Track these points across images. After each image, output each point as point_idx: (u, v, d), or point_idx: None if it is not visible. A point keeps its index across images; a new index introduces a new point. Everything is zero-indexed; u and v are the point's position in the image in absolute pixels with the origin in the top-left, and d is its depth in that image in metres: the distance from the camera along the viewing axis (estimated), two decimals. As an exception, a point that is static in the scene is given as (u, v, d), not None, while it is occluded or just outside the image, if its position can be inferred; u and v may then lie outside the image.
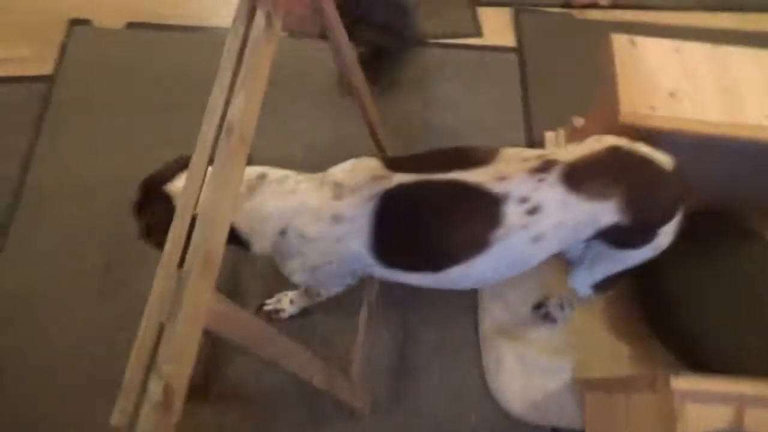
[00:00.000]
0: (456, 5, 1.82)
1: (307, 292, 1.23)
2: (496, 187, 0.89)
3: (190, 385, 0.58)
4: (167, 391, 0.56)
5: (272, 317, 1.33)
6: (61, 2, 1.72)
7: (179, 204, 0.64)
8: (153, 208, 0.91)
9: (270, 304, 1.34)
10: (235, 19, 0.75)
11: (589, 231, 0.92)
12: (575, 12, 1.84)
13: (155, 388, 0.55)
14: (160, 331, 0.57)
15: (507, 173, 0.90)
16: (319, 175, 0.96)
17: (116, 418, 0.54)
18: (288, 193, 0.92)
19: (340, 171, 0.95)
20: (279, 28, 0.77)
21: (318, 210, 0.91)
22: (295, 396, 1.27)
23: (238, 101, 0.68)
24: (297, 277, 1.00)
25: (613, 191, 0.89)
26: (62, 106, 1.57)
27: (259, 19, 0.74)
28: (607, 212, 0.90)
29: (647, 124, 1.11)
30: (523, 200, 0.88)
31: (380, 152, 1.33)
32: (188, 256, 0.60)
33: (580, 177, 0.90)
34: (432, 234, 0.91)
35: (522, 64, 1.72)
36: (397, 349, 1.34)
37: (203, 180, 0.65)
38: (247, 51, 0.72)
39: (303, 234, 0.92)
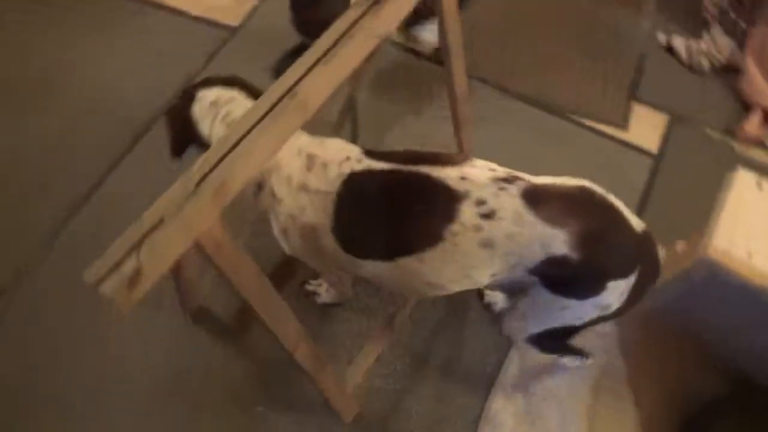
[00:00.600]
0: (614, 90, 1.79)
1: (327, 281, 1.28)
2: (458, 185, 0.92)
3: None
4: (138, 271, 0.64)
5: (309, 296, 1.40)
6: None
7: (223, 133, 0.72)
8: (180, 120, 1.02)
9: (312, 285, 1.42)
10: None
11: (537, 257, 0.91)
12: (737, 144, 1.73)
13: (129, 265, 0.63)
14: (158, 223, 0.66)
15: (471, 175, 0.93)
16: (302, 141, 0.99)
17: (89, 273, 0.63)
18: (283, 174, 0.98)
19: (319, 144, 0.99)
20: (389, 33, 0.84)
21: (289, 175, 0.97)
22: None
23: (314, 73, 0.76)
24: (279, 240, 1.04)
25: (569, 221, 0.90)
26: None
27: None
28: (558, 240, 0.90)
29: (733, 268, 1.03)
30: (480, 202, 0.91)
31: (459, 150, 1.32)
32: (208, 178, 0.69)
33: (541, 198, 0.92)
34: (389, 220, 0.94)
35: (654, 173, 1.65)
36: (404, 378, 1.34)
37: (252, 126, 0.73)
38: (347, 35, 0.80)
39: (273, 192, 0.98)
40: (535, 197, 0.91)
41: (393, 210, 0.94)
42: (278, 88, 0.75)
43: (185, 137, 1.04)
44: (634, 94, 1.79)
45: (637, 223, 0.94)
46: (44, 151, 1.61)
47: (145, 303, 1.03)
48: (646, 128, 1.73)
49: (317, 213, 0.96)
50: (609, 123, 1.74)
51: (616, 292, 0.93)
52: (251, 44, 1.79)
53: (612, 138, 1.71)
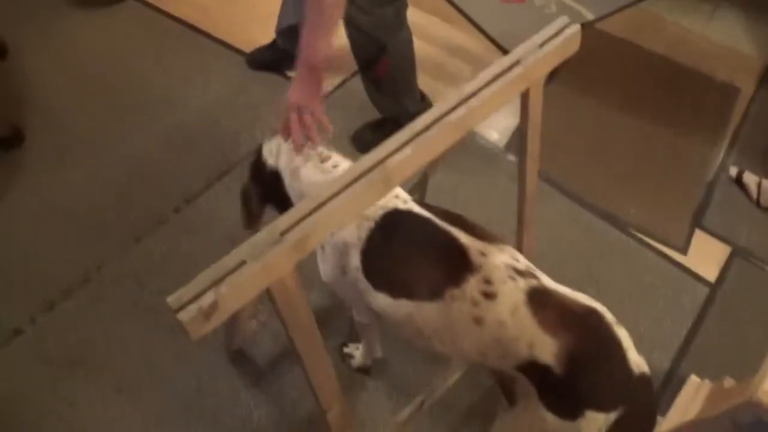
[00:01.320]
0: (679, 214, 1.80)
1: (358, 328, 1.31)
2: (475, 257, 0.96)
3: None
4: (214, 305, 0.69)
5: (344, 359, 1.43)
6: None
7: (313, 191, 0.78)
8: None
9: (349, 348, 1.44)
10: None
11: (522, 356, 0.92)
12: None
13: (208, 298, 0.69)
14: (240, 264, 0.71)
15: (491, 254, 0.97)
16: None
17: (171, 299, 0.68)
18: (323, 172, 1.07)
19: None
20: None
21: None
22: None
23: (403, 152, 0.82)
24: (318, 257, 1.10)
25: (564, 334, 0.90)
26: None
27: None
28: (546, 348, 0.90)
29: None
30: (487, 281, 0.94)
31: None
32: (293, 230, 0.74)
33: (546, 302, 0.93)
34: (406, 261, 0.99)
35: (708, 302, 1.62)
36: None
37: (340, 190, 0.79)
38: (437, 123, 0.87)
39: None
40: (540, 299, 0.93)
41: (413, 253, 1.00)
42: (369, 159, 0.81)
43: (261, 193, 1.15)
44: (698, 222, 1.79)
45: (636, 363, 0.92)
46: (138, 165, 1.76)
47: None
48: (706, 256, 1.72)
49: (353, 233, 1.02)
50: (669, 245, 1.74)
51: (593, 425, 0.89)
52: (335, 109, 1.92)
53: (671, 260, 1.71)
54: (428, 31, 2.21)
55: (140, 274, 1.56)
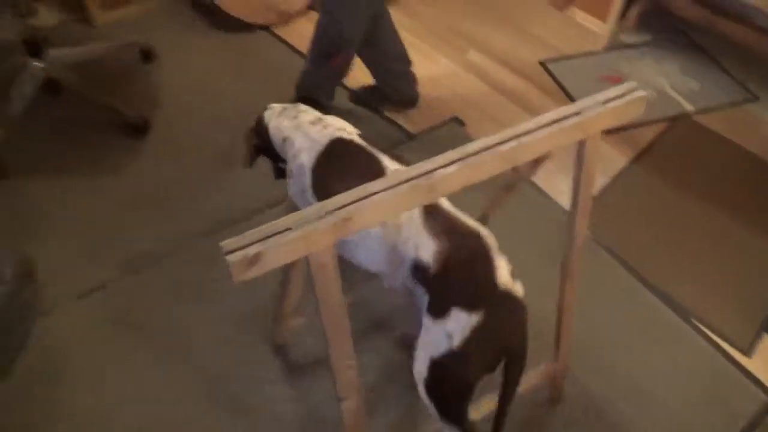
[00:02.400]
0: (748, 315, 1.73)
1: None
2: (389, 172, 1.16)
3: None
4: (256, 257, 0.80)
5: None
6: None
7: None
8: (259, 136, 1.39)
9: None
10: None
11: (410, 255, 1.09)
12: None
13: (253, 249, 0.80)
14: (286, 229, 0.82)
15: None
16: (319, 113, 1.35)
17: (225, 243, 0.80)
18: (291, 119, 1.33)
19: (330, 117, 1.33)
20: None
21: (306, 131, 1.29)
22: None
23: (452, 167, 0.92)
24: (288, 182, 1.33)
25: (443, 240, 1.08)
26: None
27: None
28: (427, 248, 1.08)
29: None
30: None
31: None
32: (337, 212, 0.85)
33: (436, 215, 1.11)
34: (340, 178, 1.18)
35: (765, 412, 1.53)
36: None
37: (387, 188, 0.89)
38: (488, 150, 0.95)
39: (291, 141, 1.30)
40: (433, 212, 1.11)
41: (345, 171, 1.20)
42: (419, 168, 0.91)
43: (257, 145, 1.39)
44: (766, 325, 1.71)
45: (505, 282, 1.06)
46: (232, 167, 1.95)
47: (244, 323, 1.24)
48: (769, 363, 1.63)
49: (308, 157, 1.25)
50: (732, 344, 1.66)
51: (457, 323, 1.03)
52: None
53: (730, 358, 1.63)
54: (524, 97, 2.32)
55: (208, 262, 1.72)
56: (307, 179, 1.25)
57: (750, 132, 2.25)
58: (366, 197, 0.87)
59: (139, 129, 2.01)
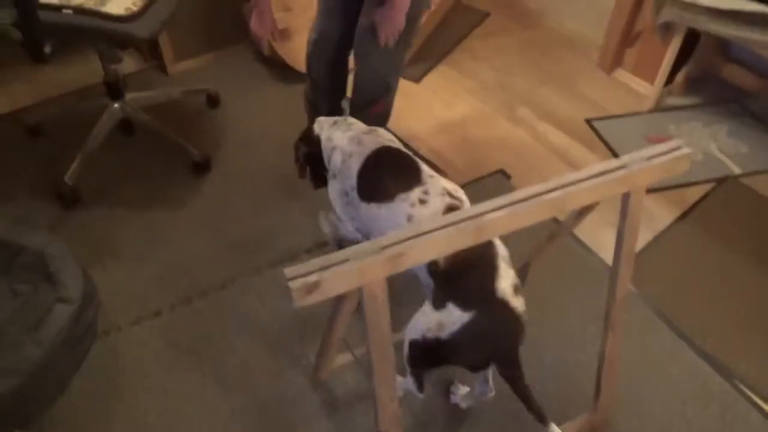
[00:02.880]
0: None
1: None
2: (425, 177, 1.36)
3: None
4: (316, 284, 0.87)
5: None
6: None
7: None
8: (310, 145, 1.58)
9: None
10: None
11: None
12: None
13: (313, 277, 0.87)
14: (344, 260, 0.89)
15: (437, 177, 1.37)
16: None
17: (288, 270, 0.87)
18: (344, 131, 1.52)
19: (384, 132, 1.55)
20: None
21: (351, 135, 1.50)
22: None
23: (500, 212, 0.97)
24: (329, 180, 1.55)
25: None
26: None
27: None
28: None
29: None
30: (426, 193, 1.32)
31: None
32: (391, 248, 0.91)
33: None
34: (381, 178, 1.39)
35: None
36: None
37: (437, 228, 0.95)
38: (535, 198, 1.01)
39: (339, 147, 1.50)
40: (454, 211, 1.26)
41: (387, 173, 1.39)
42: (469, 211, 0.97)
43: (307, 153, 1.57)
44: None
45: (504, 291, 1.17)
46: (290, 208, 2.06)
47: (291, 356, 1.31)
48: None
49: (358, 159, 1.44)
50: (779, 408, 1.62)
51: (450, 316, 1.17)
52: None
53: (777, 424, 1.59)
54: (570, 153, 2.37)
55: (264, 294, 1.80)
56: (353, 181, 1.44)
57: (800, 196, 2.23)
58: (418, 236, 0.94)
59: (202, 167, 2.15)
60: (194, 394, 1.58)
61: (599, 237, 2.03)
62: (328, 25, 1.86)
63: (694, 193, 2.22)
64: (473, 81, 2.71)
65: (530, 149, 2.39)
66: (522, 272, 1.57)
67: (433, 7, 2.86)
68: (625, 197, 1.12)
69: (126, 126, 2.25)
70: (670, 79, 2.56)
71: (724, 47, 2.69)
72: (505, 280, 1.18)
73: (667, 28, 2.39)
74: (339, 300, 1.14)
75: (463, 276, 1.18)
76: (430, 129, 2.43)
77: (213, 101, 2.44)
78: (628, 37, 2.68)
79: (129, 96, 2.15)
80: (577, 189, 1.03)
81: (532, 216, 1.01)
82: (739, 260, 2.01)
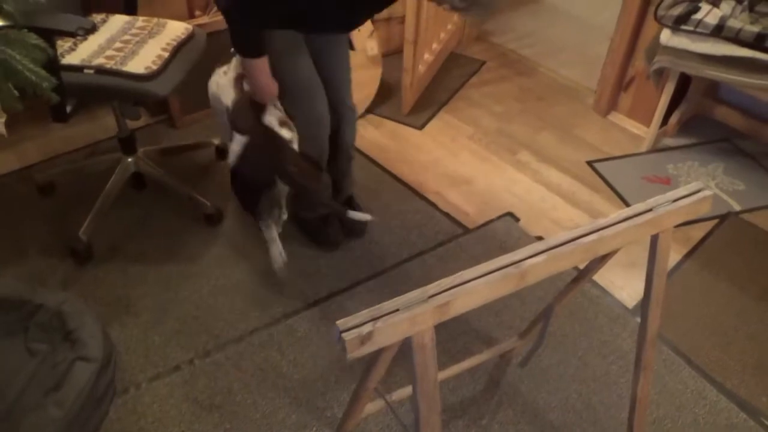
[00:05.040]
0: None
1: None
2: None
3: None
4: (369, 335, 0.88)
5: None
6: (513, 200, 2.35)
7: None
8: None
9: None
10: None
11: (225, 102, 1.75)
12: None
13: (366, 328, 0.88)
14: (394, 311, 0.90)
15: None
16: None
17: (341, 322, 0.88)
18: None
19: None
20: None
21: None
22: None
23: (540, 257, 1.00)
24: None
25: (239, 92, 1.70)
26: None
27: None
28: (229, 97, 1.72)
29: None
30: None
31: None
32: (439, 296, 0.93)
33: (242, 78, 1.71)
34: None
35: None
36: None
37: (480, 276, 0.97)
38: (571, 243, 1.03)
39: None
40: (240, 79, 1.69)
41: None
42: (510, 257, 1.00)
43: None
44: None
45: (267, 122, 1.66)
46: (304, 264, 2.07)
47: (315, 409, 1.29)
48: None
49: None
50: None
51: (236, 143, 1.67)
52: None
53: None
54: (573, 194, 2.42)
55: (283, 346, 1.79)
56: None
57: (800, 231, 2.29)
58: (463, 284, 0.95)
59: (215, 219, 2.16)
60: (218, 452, 1.55)
61: (612, 278, 2.06)
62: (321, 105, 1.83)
63: (699, 231, 2.27)
64: (474, 128, 2.78)
65: (535, 192, 2.44)
66: (545, 317, 1.59)
67: (431, 58, 2.96)
68: (654, 239, 1.16)
69: (137, 181, 2.27)
70: (664, 121, 2.65)
71: (714, 89, 2.80)
72: (270, 115, 1.65)
73: (661, 74, 2.49)
74: (380, 349, 1.14)
75: (240, 114, 1.65)
76: (440, 179, 2.47)
77: (222, 153, 2.47)
78: (621, 83, 2.78)
79: (141, 150, 2.18)
80: (610, 233, 1.06)
81: (568, 260, 1.04)
82: (749, 296, 2.04)
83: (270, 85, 1.64)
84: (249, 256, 2.08)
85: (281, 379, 1.71)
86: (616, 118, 2.86)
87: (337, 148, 1.97)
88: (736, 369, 1.82)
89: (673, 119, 2.71)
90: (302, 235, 2.15)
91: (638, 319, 1.93)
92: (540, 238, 2.18)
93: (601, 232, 1.07)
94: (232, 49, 1.67)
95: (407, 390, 1.49)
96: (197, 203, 2.16)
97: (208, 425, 1.60)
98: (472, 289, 0.95)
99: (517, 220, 2.29)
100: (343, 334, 0.87)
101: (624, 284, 2.04)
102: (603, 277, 2.04)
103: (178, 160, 2.42)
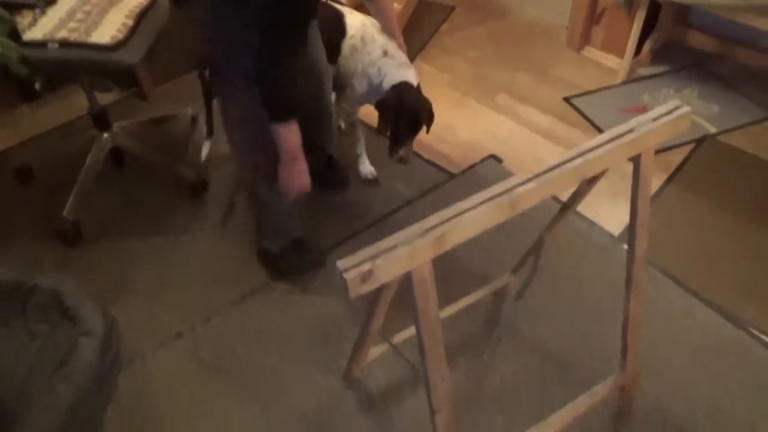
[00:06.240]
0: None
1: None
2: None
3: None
4: (369, 273, 0.89)
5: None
6: (495, 142, 2.37)
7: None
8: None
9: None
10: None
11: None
12: None
13: (366, 266, 0.89)
14: (393, 247, 0.92)
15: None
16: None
17: (341, 262, 0.90)
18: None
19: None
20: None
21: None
22: None
23: (529, 183, 1.01)
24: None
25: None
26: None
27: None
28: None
29: None
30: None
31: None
32: (436, 228, 0.95)
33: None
34: None
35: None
36: None
37: (474, 206, 0.99)
38: (561, 167, 1.05)
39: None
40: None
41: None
42: (501, 186, 1.01)
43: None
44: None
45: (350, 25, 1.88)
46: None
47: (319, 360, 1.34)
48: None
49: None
50: (791, 347, 1.70)
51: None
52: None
53: (793, 363, 1.67)
54: (553, 131, 2.44)
55: (281, 304, 1.81)
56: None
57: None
58: (459, 215, 0.97)
59: (198, 187, 2.15)
60: (230, 413, 1.58)
61: (597, 209, 2.09)
62: None
63: (677, 156, 2.31)
64: (450, 74, 2.77)
65: (515, 132, 2.45)
66: (536, 249, 1.62)
67: (399, 7, 2.91)
68: (636, 160, 1.18)
69: (116, 157, 2.23)
70: (637, 51, 2.66)
71: (684, 14, 2.80)
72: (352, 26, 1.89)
73: (631, 3, 2.48)
74: (380, 289, 1.16)
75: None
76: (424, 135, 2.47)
77: (198, 121, 2.44)
78: (593, 16, 2.77)
79: (116, 125, 2.14)
80: (595, 155, 1.08)
81: (558, 184, 1.06)
82: (732, 214, 2.10)
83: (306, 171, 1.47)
84: (238, 221, 2.08)
85: (284, 335, 1.74)
86: (590, 52, 2.86)
87: (317, 105, 1.95)
88: (721, 285, 1.88)
89: (646, 48, 2.72)
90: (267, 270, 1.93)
91: (626, 246, 1.98)
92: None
93: (586, 155, 1.08)
94: None
95: (409, 331, 1.53)
96: (180, 173, 2.14)
97: (218, 388, 1.63)
98: (467, 219, 0.97)
99: (500, 161, 2.30)
100: (344, 274, 0.89)
101: (609, 214, 2.08)
102: (588, 209, 2.08)
103: (154, 133, 2.38)
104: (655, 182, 2.21)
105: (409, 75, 1.82)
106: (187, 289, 1.88)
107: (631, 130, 1.14)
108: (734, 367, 1.67)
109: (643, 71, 2.75)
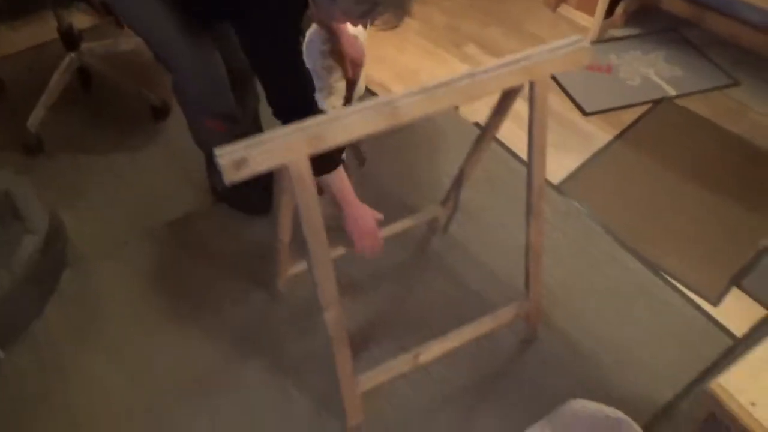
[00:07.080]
0: (719, 270, 1.84)
1: None
2: None
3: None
4: (243, 160, 0.98)
5: None
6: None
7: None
8: None
9: None
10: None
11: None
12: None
13: (240, 153, 0.98)
14: (269, 139, 1.00)
15: None
16: None
17: (223, 150, 0.98)
18: None
19: None
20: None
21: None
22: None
23: (414, 96, 1.08)
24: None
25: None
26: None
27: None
28: None
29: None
30: None
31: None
32: (314, 129, 1.02)
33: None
34: None
35: (728, 352, 1.64)
36: (418, 411, 1.47)
37: (355, 112, 1.06)
38: (448, 84, 1.12)
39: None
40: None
41: None
42: (386, 96, 1.08)
43: None
44: (738, 281, 1.82)
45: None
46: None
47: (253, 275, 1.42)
48: (737, 312, 1.74)
49: None
50: (702, 296, 1.78)
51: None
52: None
53: (699, 308, 1.75)
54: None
55: (224, 222, 1.91)
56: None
57: (730, 114, 2.37)
58: (338, 118, 1.05)
59: (161, 112, 2.23)
60: (165, 318, 1.69)
61: (518, 141, 2.14)
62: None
63: (632, 115, 2.35)
64: (422, 24, 2.80)
65: (478, 83, 2.49)
66: (457, 182, 1.70)
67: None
68: (532, 87, 1.24)
69: (84, 79, 2.32)
70: (610, 12, 2.67)
71: (660, -22, 2.80)
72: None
73: (604, -40, 2.50)
74: (278, 195, 1.25)
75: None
76: (387, 75, 2.52)
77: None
78: (570, -27, 2.78)
79: (85, 46, 2.22)
80: (484, 78, 1.14)
81: (442, 101, 1.12)
82: (674, 174, 2.15)
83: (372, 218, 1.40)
84: (193, 147, 2.16)
85: (224, 253, 1.84)
86: (566, 11, 2.88)
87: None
88: (650, 238, 1.94)
89: (620, 9, 2.73)
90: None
91: (562, 196, 2.05)
92: (477, 125, 2.27)
93: (475, 77, 1.15)
94: None
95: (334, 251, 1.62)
96: (144, 96, 2.22)
97: (155, 295, 1.74)
98: (345, 122, 1.05)
99: (456, 108, 2.36)
100: (219, 159, 0.97)
101: (551, 163, 2.14)
102: (510, 140, 2.14)
103: (123, 59, 2.45)
104: (604, 137, 2.26)
105: None
106: (139, 203, 1.98)
107: (526, 58, 1.21)
108: (644, 311, 1.75)
109: (615, 32, 2.77)
